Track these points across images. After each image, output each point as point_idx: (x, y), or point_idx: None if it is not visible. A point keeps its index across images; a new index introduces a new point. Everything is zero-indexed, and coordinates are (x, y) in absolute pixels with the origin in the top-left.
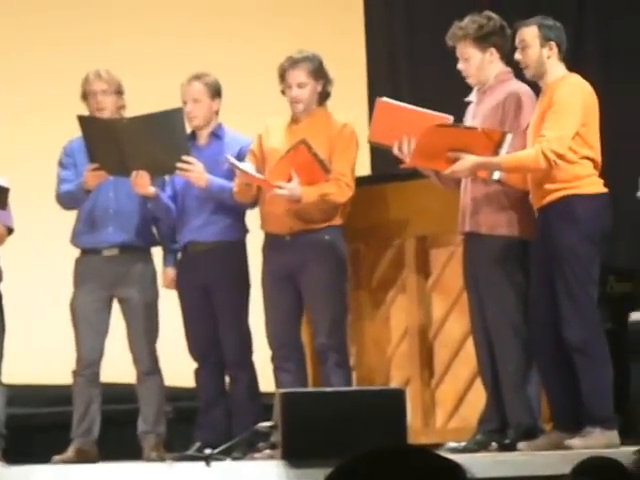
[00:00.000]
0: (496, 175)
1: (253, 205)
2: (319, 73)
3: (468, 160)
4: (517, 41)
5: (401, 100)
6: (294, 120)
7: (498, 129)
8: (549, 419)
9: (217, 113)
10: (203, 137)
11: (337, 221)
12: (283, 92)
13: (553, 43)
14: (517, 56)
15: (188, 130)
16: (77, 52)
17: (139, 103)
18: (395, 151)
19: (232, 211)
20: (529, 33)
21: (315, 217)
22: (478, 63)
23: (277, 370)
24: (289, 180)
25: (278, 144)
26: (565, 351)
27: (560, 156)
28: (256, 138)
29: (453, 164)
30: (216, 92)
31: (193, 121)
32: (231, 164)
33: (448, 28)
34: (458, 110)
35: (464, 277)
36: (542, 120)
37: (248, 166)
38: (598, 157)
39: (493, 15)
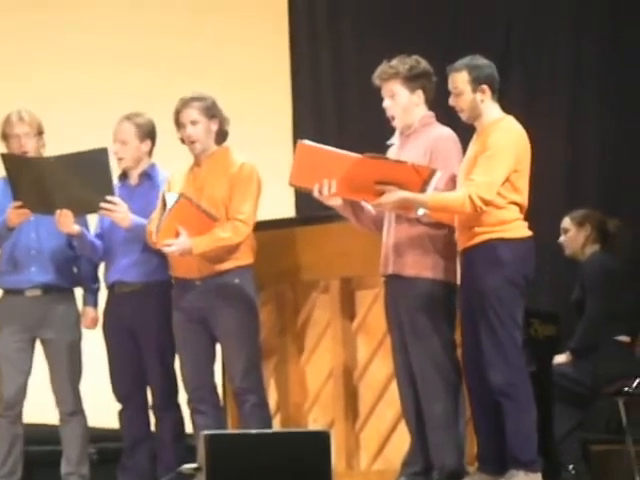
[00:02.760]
0: (420, 211)
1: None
2: (212, 111)
3: (395, 194)
4: (450, 87)
5: (326, 143)
6: (196, 163)
7: (427, 166)
8: (474, 460)
9: (149, 153)
10: (134, 177)
11: (245, 260)
12: (182, 140)
13: (485, 86)
14: (451, 101)
15: (119, 170)
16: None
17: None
18: (315, 194)
19: (159, 251)
20: (460, 79)
21: (222, 256)
22: (405, 103)
23: (194, 413)
24: (178, 236)
25: (182, 189)
26: (493, 393)
27: (487, 202)
28: (165, 183)
29: (379, 197)
30: (147, 133)
31: (120, 162)
32: (163, 199)
33: (373, 70)
34: (381, 152)
35: (387, 319)
36: (474, 162)
37: (170, 196)
38: (525, 202)
39: (422, 60)
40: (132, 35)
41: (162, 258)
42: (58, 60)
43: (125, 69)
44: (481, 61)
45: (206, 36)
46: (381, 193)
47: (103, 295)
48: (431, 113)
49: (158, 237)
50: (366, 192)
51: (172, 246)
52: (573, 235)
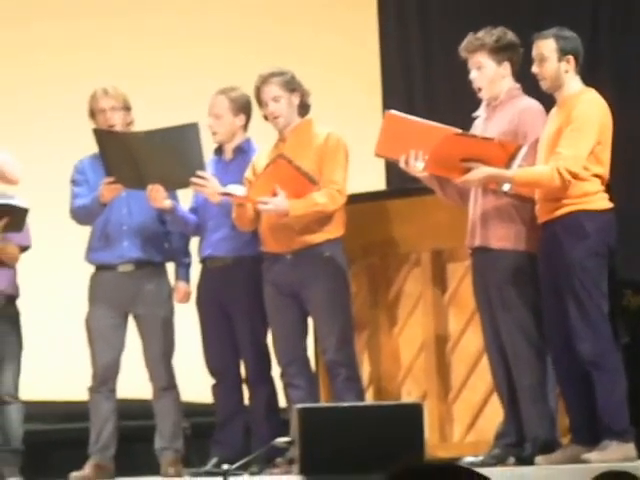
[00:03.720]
0: (506, 187)
1: (254, 230)
2: (292, 85)
3: (481, 170)
4: (534, 53)
5: (415, 115)
6: (281, 139)
7: (514, 141)
8: (567, 432)
9: (244, 128)
10: (228, 151)
11: (336, 233)
12: (265, 117)
13: (570, 57)
14: (534, 69)
15: (214, 144)
16: (95, 67)
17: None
18: (401, 164)
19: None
20: (546, 46)
21: (312, 229)
22: (492, 74)
23: (288, 387)
24: (274, 195)
25: (261, 165)
26: (582, 364)
27: (575, 175)
28: (249, 166)
29: (466, 174)
30: (241, 107)
31: (214, 136)
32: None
33: (461, 42)
34: (469, 125)
35: (474, 292)
36: (558, 134)
37: (234, 188)
38: (607, 174)
39: (508, 31)
40: (219, 12)
41: (253, 232)
42: (146, 36)
43: (213, 46)
44: (568, 33)
45: (293, 14)
46: (467, 170)
47: (197, 269)
48: (518, 85)
49: (252, 193)
50: (452, 169)
51: (268, 204)
52: None
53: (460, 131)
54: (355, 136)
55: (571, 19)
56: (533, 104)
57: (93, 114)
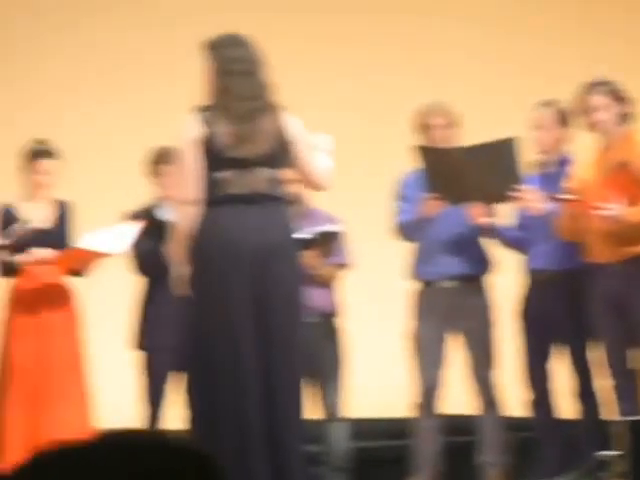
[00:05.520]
0: None
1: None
2: (617, 94)
3: None
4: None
5: None
6: (606, 148)
7: None
8: None
9: (568, 139)
10: (550, 164)
11: None
12: (588, 126)
13: None
14: None
15: (535, 156)
16: None
17: None
18: None
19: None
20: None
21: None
22: None
23: (619, 398)
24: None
25: (590, 175)
26: None
27: None
28: (570, 177)
29: None
30: (567, 119)
31: (537, 147)
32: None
33: None
34: None
35: None
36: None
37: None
38: None
39: None
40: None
41: (576, 244)
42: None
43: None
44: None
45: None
46: None
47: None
48: None
49: (589, 199)
50: None
51: (610, 210)
52: None
53: None
54: None
55: None
56: None
57: (422, 129)
